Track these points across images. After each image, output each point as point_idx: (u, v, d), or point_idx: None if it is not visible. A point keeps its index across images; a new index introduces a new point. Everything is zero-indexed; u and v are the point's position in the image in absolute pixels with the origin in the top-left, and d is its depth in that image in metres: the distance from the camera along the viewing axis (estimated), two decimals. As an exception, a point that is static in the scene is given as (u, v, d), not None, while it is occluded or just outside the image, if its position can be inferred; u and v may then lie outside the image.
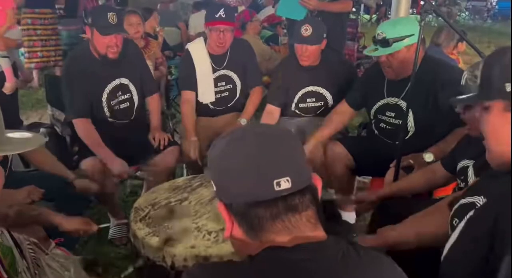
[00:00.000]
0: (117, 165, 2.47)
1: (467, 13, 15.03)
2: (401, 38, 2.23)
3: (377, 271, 0.88)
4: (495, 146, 1.08)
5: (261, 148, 0.86)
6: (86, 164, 2.51)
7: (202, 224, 1.72)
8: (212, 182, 0.93)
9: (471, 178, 1.74)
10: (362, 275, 0.85)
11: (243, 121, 2.94)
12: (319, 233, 0.89)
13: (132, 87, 2.78)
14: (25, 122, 3.40)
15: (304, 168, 0.89)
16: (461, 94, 1.69)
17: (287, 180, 0.84)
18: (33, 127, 3.07)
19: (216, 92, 3.03)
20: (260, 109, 3.17)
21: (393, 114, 2.48)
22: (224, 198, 0.91)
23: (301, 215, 0.86)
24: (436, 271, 1.25)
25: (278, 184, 0.83)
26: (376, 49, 2.33)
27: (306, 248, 0.85)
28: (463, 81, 1.69)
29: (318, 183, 0.91)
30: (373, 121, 2.62)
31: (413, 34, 2.23)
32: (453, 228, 1.24)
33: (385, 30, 2.30)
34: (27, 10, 5.35)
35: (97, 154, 2.52)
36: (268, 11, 5.96)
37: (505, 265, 0.92)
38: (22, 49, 5.43)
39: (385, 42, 2.26)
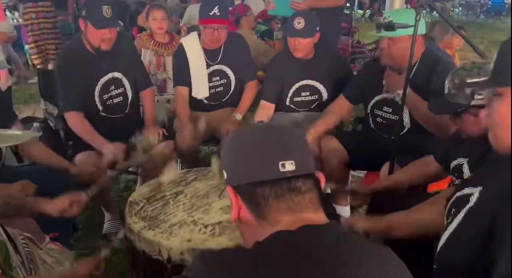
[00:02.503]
0: (109, 148, 2.44)
1: (460, 8, 15.08)
2: (406, 26, 2.21)
3: (376, 253, 0.92)
4: (502, 130, 1.06)
5: (268, 134, 0.98)
6: (81, 158, 2.49)
7: (198, 218, 1.71)
8: (223, 170, 0.99)
9: (467, 175, 1.75)
10: (362, 255, 0.90)
11: (238, 116, 2.93)
12: (321, 216, 0.96)
13: (125, 82, 2.76)
14: (19, 117, 3.36)
15: (308, 157, 0.96)
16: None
17: (292, 163, 0.91)
18: (27, 122, 3.05)
19: (210, 88, 3.02)
20: (255, 104, 3.16)
21: (390, 109, 2.49)
22: (232, 181, 0.97)
23: (304, 196, 0.93)
24: (430, 262, 1.26)
25: (283, 166, 0.90)
26: (379, 32, 2.34)
27: (310, 229, 0.90)
28: (446, 90, 1.70)
29: (322, 178, 0.98)
30: (370, 116, 2.63)
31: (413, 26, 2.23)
32: (449, 219, 1.24)
33: (392, 14, 2.31)
34: (30, 4, 5.29)
35: (91, 143, 2.50)
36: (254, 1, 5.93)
37: (503, 263, 0.93)
38: (27, 46, 5.39)
39: (391, 27, 2.24)
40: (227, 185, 0.99)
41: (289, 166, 0.90)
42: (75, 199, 1.79)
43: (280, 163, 0.90)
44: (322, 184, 0.98)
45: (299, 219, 0.91)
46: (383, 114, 2.54)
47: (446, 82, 1.69)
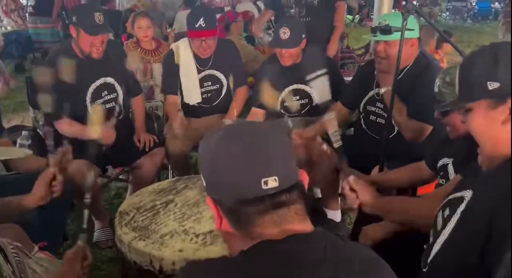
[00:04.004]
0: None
1: (447, 13, 15.24)
2: (403, 29, 2.23)
3: (364, 260, 0.91)
4: (485, 146, 1.10)
5: (250, 146, 0.89)
6: (71, 166, 2.47)
7: (189, 227, 1.70)
8: (201, 176, 0.94)
9: (452, 175, 1.76)
10: (350, 263, 0.88)
11: (227, 122, 2.93)
12: (307, 226, 0.92)
13: (117, 87, 2.75)
14: (7, 126, 3.31)
15: (292, 166, 0.91)
16: (430, 100, 1.74)
17: (275, 179, 0.86)
18: (15, 130, 3.01)
19: (202, 93, 3.01)
20: (245, 110, 3.17)
21: (382, 106, 2.51)
22: (213, 193, 0.93)
23: (289, 209, 0.89)
24: (417, 263, 1.27)
25: (266, 183, 0.86)
26: (375, 36, 2.34)
27: (296, 239, 0.87)
28: (436, 88, 1.73)
29: (305, 178, 0.94)
30: (362, 116, 2.65)
31: (413, 29, 2.23)
32: (438, 222, 1.25)
33: (388, 18, 2.31)
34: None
35: (83, 136, 2.42)
36: (245, 7, 5.92)
37: (504, 265, 0.94)
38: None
39: (387, 30, 2.24)
40: (206, 193, 0.94)
41: (272, 183, 0.86)
42: (46, 175, 1.74)
43: (263, 180, 0.85)
44: (306, 184, 0.94)
45: (284, 230, 0.88)
46: (376, 110, 2.55)
47: (437, 80, 1.71)
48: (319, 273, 0.85)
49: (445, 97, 1.69)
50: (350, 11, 12.37)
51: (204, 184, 0.94)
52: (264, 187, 0.86)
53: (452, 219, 1.16)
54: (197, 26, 2.75)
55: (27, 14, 6.52)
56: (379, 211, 1.58)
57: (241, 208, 0.88)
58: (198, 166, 0.96)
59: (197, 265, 0.92)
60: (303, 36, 2.79)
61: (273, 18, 4.51)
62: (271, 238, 0.87)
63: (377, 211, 1.59)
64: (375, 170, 2.32)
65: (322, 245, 0.88)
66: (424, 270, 1.25)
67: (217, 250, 1.56)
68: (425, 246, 1.36)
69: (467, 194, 1.16)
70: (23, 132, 2.90)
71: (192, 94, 3.00)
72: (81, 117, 2.60)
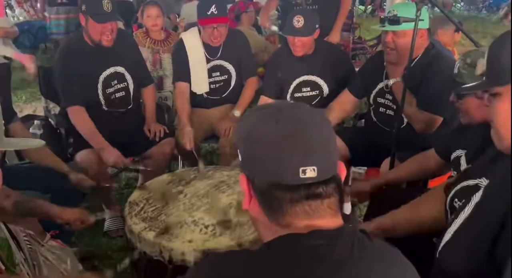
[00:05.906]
0: (112, 155, 2.46)
1: (462, 3, 15.00)
2: (412, 20, 2.17)
3: (389, 259, 0.89)
4: (507, 132, 1.05)
5: (294, 131, 0.85)
6: (81, 156, 2.50)
7: (199, 218, 1.71)
8: (238, 151, 0.91)
9: (463, 167, 1.74)
10: (376, 262, 0.86)
11: (236, 113, 2.93)
12: (337, 221, 0.89)
13: (128, 76, 2.76)
14: (19, 115, 3.34)
15: (332, 158, 0.88)
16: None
17: (314, 169, 0.83)
18: (27, 119, 3.04)
19: (210, 83, 3.01)
20: (255, 101, 3.16)
21: (391, 97, 2.49)
22: (248, 171, 0.90)
23: (322, 202, 0.86)
24: (429, 259, 1.26)
25: (304, 172, 0.83)
26: (383, 27, 2.31)
27: (322, 234, 0.85)
28: (456, 70, 1.70)
29: (342, 171, 0.91)
30: (372, 108, 2.63)
31: (423, 20, 2.19)
32: (453, 210, 1.23)
33: (397, 8, 2.28)
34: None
35: (91, 143, 2.50)
36: None
37: None
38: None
39: (396, 20, 2.21)
40: (241, 169, 0.91)
41: (310, 173, 0.83)
42: (83, 218, 1.83)
43: (301, 168, 0.82)
44: (343, 177, 0.90)
45: (313, 224, 0.86)
46: (385, 102, 2.53)
47: (457, 61, 1.69)
48: (344, 270, 0.83)
49: (464, 79, 1.66)
50: (362, 1, 12.25)
51: (240, 158, 0.91)
52: (301, 175, 0.83)
53: (466, 209, 1.14)
54: (209, 13, 2.74)
55: (46, 5, 6.46)
56: (388, 234, 1.54)
57: (274, 193, 0.85)
58: (235, 136, 0.92)
59: (219, 255, 0.91)
60: (317, 26, 2.76)
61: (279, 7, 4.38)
62: (298, 230, 0.85)
63: (384, 224, 1.56)
64: (386, 162, 2.31)
65: (349, 242, 0.85)
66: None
67: (226, 241, 1.56)
68: (434, 239, 1.35)
69: (482, 183, 1.14)
70: (35, 122, 2.93)
71: (200, 83, 2.99)
72: (92, 106, 2.63)
